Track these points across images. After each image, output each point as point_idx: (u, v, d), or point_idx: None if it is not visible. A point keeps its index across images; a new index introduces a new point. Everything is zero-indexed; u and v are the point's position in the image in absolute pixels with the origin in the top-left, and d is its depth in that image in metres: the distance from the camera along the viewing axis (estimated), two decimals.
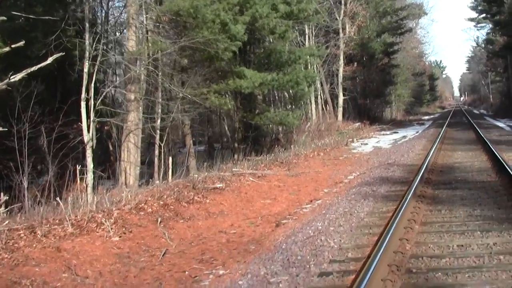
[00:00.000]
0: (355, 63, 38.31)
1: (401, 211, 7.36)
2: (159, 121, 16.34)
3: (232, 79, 17.47)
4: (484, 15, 58.40)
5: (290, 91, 23.37)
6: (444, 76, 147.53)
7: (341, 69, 35.43)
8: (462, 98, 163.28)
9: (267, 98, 27.81)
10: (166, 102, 16.80)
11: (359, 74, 40.87)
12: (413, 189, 9.14)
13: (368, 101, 43.23)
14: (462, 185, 10.31)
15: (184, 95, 16.20)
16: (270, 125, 22.51)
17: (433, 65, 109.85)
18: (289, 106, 25.72)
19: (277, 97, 26.93)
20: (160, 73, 16.99)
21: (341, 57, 35.45)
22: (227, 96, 21.30)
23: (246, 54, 22.09)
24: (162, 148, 16.11)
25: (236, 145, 21.16)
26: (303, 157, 18.13)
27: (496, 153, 13.68)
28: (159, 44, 16.04)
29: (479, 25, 64.61)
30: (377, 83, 43.10)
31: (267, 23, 17.93)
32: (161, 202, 9.80)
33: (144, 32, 16.55)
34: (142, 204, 9.47)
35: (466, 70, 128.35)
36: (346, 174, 14.29)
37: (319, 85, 33.93)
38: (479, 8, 57.70)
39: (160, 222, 8.82)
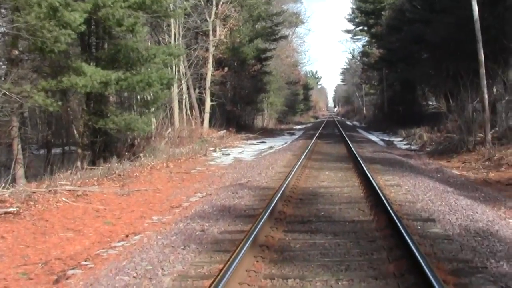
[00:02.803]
0: (226, 68, 36.46)
1: (225, 279, 4.96)
2: None
3: (68, 76, 14.86)
4: (361, 27, 59.54)
5: (150, 93, 20.90)
6: (319, 86, 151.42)
7: (209, 73, 33.53)
8: (336, 109, 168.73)
9: (127, 101, 25.38)
10: None
11: (229, 79, 39.18)
12: (256, 231, 6.68)
13: (238, 108, 41.65)
14: (324, 227, 7.76)
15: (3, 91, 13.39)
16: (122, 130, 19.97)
17: (308, 75, 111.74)
18: (151, 110, 23.31)
19: (139, 100, 24.58)
20: None
21: (210, 61, 33.58)
22: (71, 95, 18.76)
23: (97, 49, 19.54)
24: None
25: (79, 151, 18.53)
26: (149, 169, 15.70)
27: (369, 177, 11.57)
28: None
29: (355, 37, 66.36)
30: (248, 90, 41.64)
31: (112, 13, 15.46)
32: None
33: None
34: None
35: (341, 81, 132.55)
36: (189, 195, 11.94)
37: (185, 89, 31.84)
38: (357, 20, 58.74)
39: None
